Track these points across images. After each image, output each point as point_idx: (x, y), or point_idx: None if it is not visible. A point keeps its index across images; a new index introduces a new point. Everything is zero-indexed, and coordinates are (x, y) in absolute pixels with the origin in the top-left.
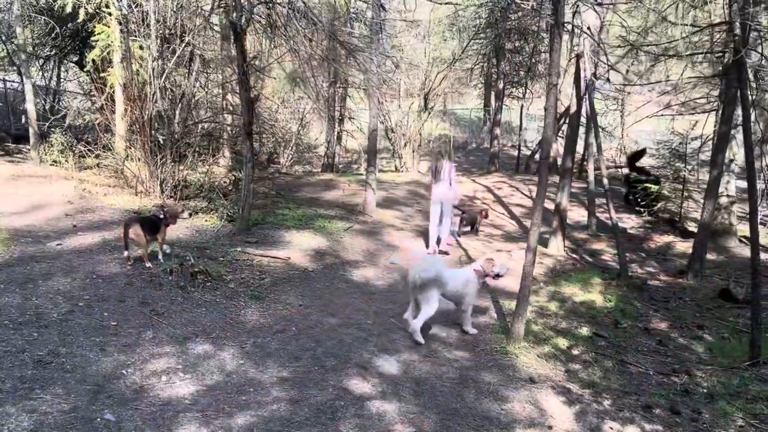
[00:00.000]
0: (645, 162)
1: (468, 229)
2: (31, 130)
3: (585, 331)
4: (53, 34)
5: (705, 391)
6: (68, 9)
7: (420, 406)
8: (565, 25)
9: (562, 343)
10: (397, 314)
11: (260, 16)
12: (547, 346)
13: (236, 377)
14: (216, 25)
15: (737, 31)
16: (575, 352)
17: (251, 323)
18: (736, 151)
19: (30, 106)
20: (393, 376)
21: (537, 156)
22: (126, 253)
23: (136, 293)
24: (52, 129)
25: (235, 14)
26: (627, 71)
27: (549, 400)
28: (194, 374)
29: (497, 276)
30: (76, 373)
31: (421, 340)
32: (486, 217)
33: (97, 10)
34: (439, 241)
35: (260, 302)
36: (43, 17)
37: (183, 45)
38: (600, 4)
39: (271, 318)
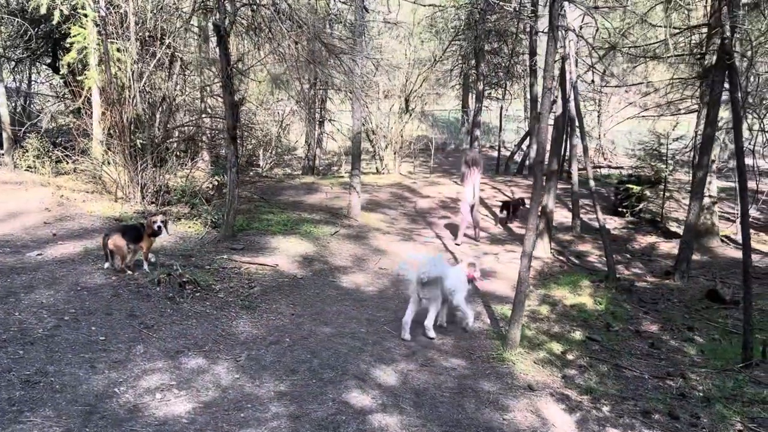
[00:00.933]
0: (624, 162)
1: (505, 216)
2: (4, 135)
3: (578, 335)
4: (26, 36)
5: (701, 394)
6: (42, 10)
7: (422, 418)
8: (558, 28)
9: (557, 347)
10: (390, 321)
11: (242, 18)
12: (542, 351)
13: (233, 393)
14: (196, 26)
15: (727, 33)
16: (570, 357)
17: (244, 335)
18: (717, 152)
19: (3, 110)
20: (392, 387)
21: (516, 157)
22: (107, 265)
23: (124, 305)
24: (28, 134)
25: (218, 16)
26: (604, 72)
27: (549, 408)
28: (189, 390)
29: (482, 277)
30: (66, 392)
31: (432, 334)
32: (523, 204)
33: (73, 12)
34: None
35: (251, 312)
36: (16, 19)
37: (163, 47)
38: (596, 8)
39: (264, 329)
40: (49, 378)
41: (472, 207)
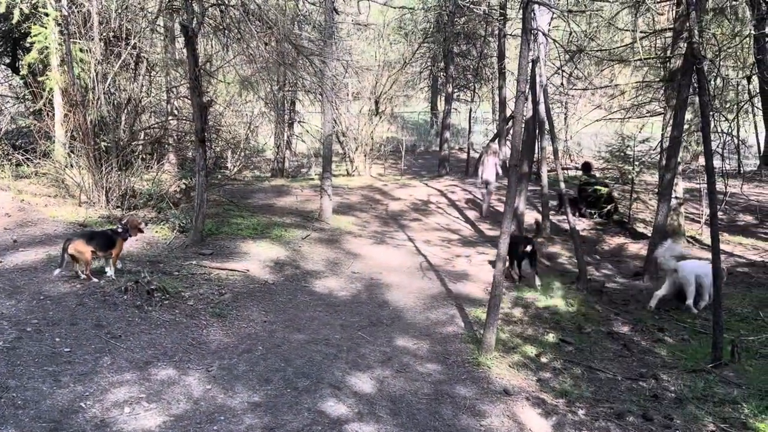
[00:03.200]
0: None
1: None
2: None
3: (551, 337)
4: None
5: (673, 395)
6: (1, 9)
7: (399, 426)
8: (531, 31)
9: (531, 350)
10: (365, 327)
11: (210, 18)
12: (516, 354)
13: (205, 404)
14: (162, 27)
15: (696, 37)
16: (544, 359)
17: (215, 343)
18: (681, 154)
19: None
20: (368, 395)
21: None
22: (57, 271)
23: (89, 315)
24: None
25: (186, 16)
26: (570, 74)
27: (526, 413)
28: (159, 403)
29: None
30: (29, 408)
31: (651, 305)
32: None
33: (33, 10)
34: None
35: (222, 320)
36: None
37: (128, 48)
38: (570, 12)
39: (236, 337)
40: (11, 393)
41: (489, 187)
